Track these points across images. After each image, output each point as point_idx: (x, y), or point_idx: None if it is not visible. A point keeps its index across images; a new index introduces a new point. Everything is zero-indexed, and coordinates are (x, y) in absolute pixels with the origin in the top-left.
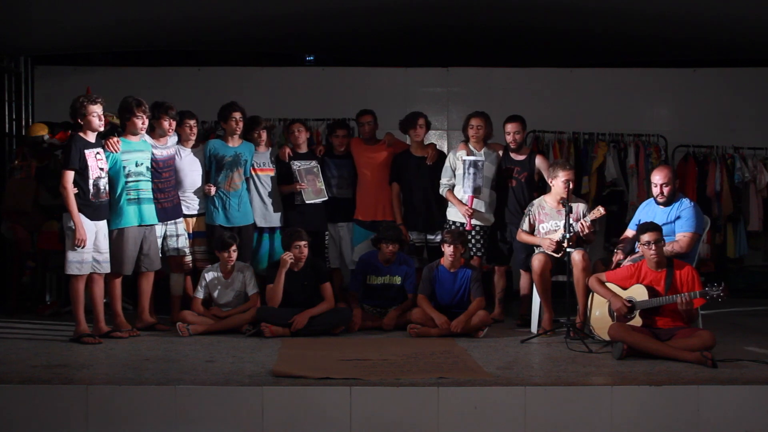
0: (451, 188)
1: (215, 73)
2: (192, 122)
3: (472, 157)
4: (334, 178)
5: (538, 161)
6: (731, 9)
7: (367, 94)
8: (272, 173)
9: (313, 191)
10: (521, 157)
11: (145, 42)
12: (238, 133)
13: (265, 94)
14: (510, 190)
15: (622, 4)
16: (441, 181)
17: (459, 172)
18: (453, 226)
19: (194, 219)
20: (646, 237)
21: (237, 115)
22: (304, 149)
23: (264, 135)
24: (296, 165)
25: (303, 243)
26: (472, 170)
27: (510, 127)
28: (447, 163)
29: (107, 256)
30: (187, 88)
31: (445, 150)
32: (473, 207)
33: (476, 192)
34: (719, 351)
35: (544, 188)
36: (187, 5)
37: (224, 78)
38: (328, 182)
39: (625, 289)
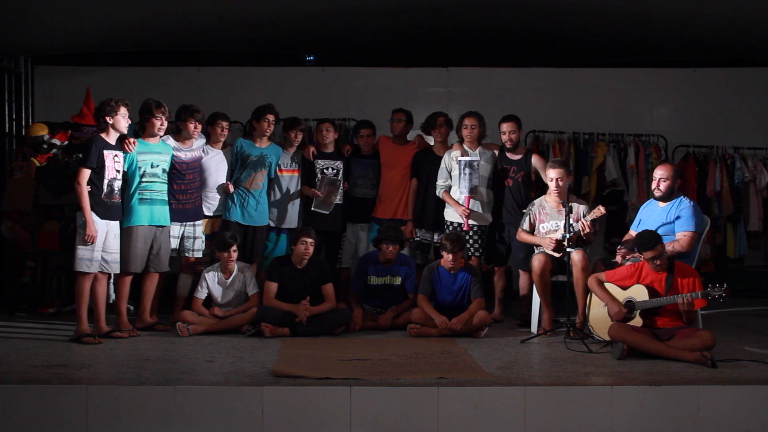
0: (448, 189)
1: (215, 73)
2: (225, 123)
3: (467, 158)
4: (360, 179)
5: (534, 160)
6: (731, 9)
7: (367, 94)
8: (296, 174)
9: (325, 203)
10: (517, 157)
11: (145, 42)
12: (268, 135)
13: (265, 94)
14: (507, 190)
15: (622, 4)
16: (437, 183)
17: (455, 173)
18: (451, 227)
19: (213, 220)
20: (648, 255)
21: (271, 117)
22: (330, 149)
23: (299, 137)
24: (320, 165)
25: (310, 240)
26: (467, 170)
27: (505, 127)
28: (442, 164)
29: (116, 256)
30: (187, 88)
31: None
32: (470, 207)
33: (473, 192)
34: (719, 351)
35: (541, 187)
36: (188, 5)
37: (224, 78)
38: (354, 182)
39: (625, 288)
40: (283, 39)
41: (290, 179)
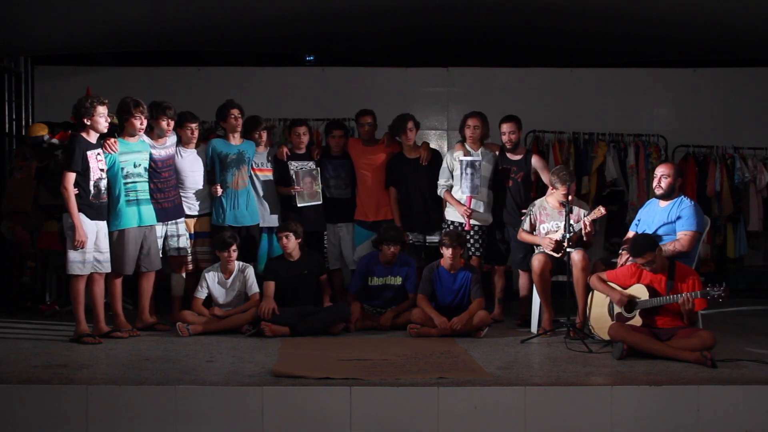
0: (449, 189)
1: (215, 73)
2: (194, 125)
3: (469, 158)
4: (332, 179)
5: (534, 161)
6: (731, 9)
7: (367, 94)
8: (270, 173)
9: (308, 194)
10: (517, 157)
11: (145, 42)
12: (239, 130)
13: (265, 94)
14: (507, 190)
15: (622, 4)
16: (439, 182)
17: (456, 173)
18: (452, 227)
19: (196, 219)
20: (639, 261)
21: (235, 111)
22: (302, 150)
23: (264, 135)
24: (294, 166)
25: (284, 234)
26: (469, 170)
27: (505, 127)
28: (444, 164)
29: (108, 255)
30: (187, 88)
31: (444, 150)
32: (472, 207)
33: (475, 192)
34: (719, 351)
35: (541, 188)
36: (188, 5)
37: (224, 78)
38: (327, 183)
39: (625, 288)
40: (283, 39)
41: (264, 178)
